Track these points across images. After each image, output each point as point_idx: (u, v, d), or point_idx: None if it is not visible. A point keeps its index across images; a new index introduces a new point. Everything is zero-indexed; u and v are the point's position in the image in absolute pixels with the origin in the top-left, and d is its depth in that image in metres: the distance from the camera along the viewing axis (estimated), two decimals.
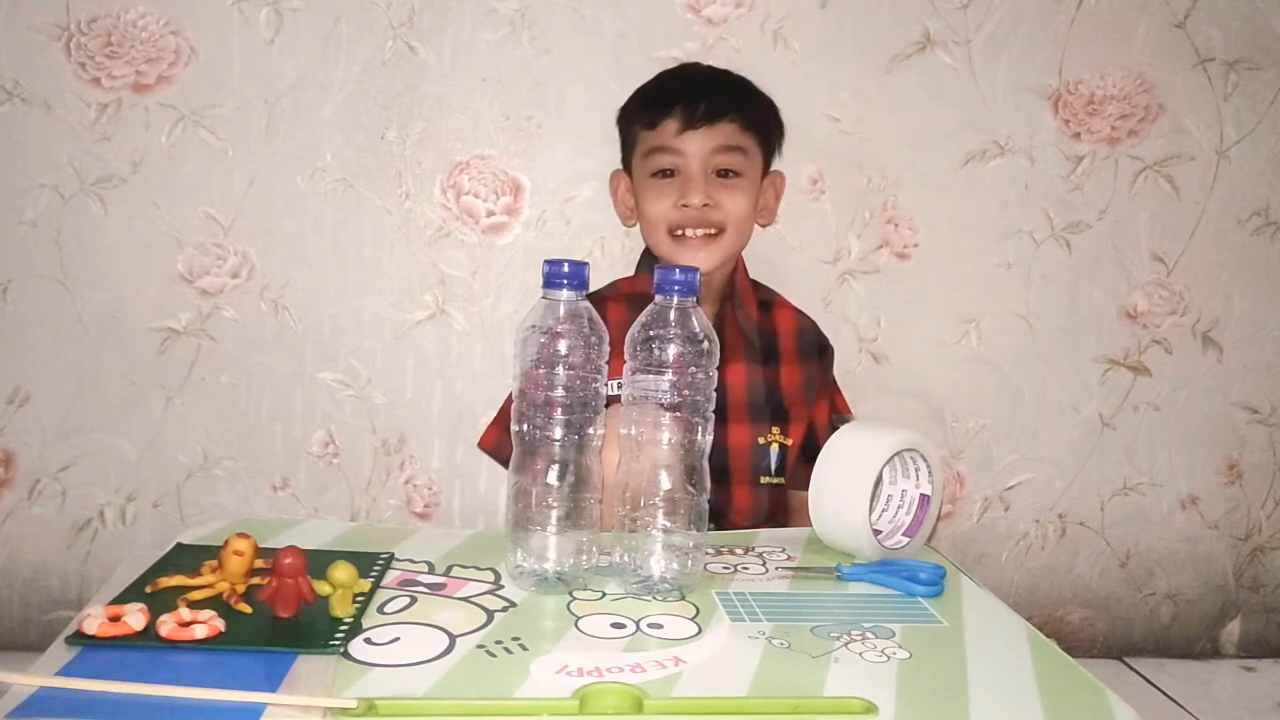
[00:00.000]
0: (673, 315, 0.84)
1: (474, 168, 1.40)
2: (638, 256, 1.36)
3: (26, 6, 1.32)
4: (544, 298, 0.84)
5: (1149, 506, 1.57)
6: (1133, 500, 1.56)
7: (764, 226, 1.34)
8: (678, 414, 0.84)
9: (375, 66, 1.37)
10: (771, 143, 1.31)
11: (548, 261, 0.84)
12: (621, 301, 1.25)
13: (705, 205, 1.21)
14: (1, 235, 1.35)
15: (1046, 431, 1.53)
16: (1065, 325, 1.51)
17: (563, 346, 0.83)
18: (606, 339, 0.85)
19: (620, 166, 1.33)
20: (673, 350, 0.84)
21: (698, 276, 0.85)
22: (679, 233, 1.23)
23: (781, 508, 1.27)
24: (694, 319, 0.84)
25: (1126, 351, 1.53)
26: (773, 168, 1.33)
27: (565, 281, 0.83)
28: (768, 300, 1.34)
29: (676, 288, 0.84)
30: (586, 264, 0.84)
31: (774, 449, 1.26)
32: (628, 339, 0.86)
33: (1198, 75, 1.48)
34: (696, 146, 1.21)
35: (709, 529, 0.89)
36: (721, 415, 1.05)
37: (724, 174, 1.23)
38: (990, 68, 1.45)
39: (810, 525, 1.00)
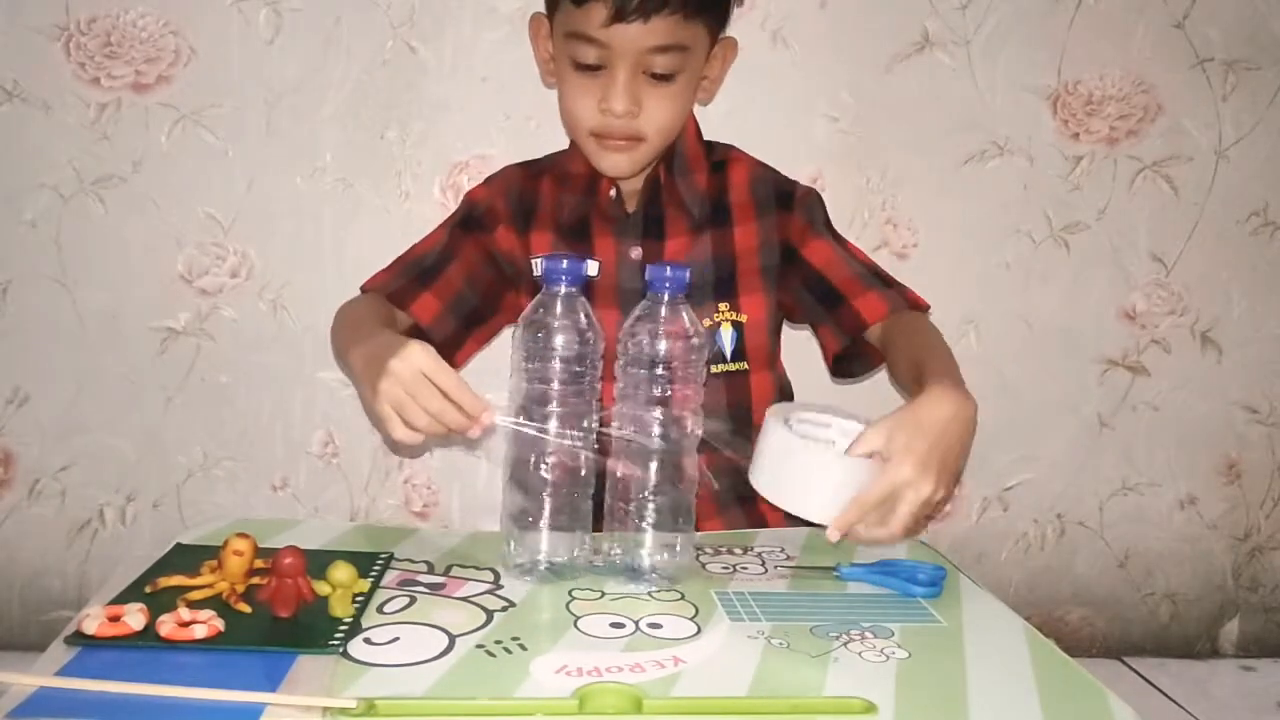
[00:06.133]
0: (662, 311, 0.85)
1: (474, 168, 1.40)
2: None
3: (26, 7, 1.32)
4: (541, 293, 0.85)
5: (1148, 506, 1.57)
6: (1131, 500, 1.56)
7: (704, 105, 1.16)
8: (666, 408, 0.85)
9: (375, 66, 1.37)
10: (723, 18, 1.09)
11: (545, 257, 0.84)
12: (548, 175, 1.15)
13: (629, 113, 1.03)
14: (1, 235, 1.35)
15: (1045, 431, 1.53)
16: (1064, 325, 1.51)
17: (559, 342, 0.84)
18: (603, 335, 0.86)
19: (543, 10, 1.10)
20: (662, 346, 0.84)
21: (688, 274, 0.85)
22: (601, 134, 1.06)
23: (746, 396, 1.13)
24: (684, 315, 0.85)
25: (1125, 352, 1.53)
26: (723, 35, 1.12)
27: (562, 277, 0.84)
28: (722, 160, 1.16)
29: (667, 285, 0.85)
30: (584, 260, 0.85)
31: (725, 330, 1.11)
32: (620, 335, 0.86)
33: (1196, 75, 1.48)
34: (626, 43, 1.00)
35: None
36: None
37: (657, 75, 1.03)
38: (989, 68, 1.45)
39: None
